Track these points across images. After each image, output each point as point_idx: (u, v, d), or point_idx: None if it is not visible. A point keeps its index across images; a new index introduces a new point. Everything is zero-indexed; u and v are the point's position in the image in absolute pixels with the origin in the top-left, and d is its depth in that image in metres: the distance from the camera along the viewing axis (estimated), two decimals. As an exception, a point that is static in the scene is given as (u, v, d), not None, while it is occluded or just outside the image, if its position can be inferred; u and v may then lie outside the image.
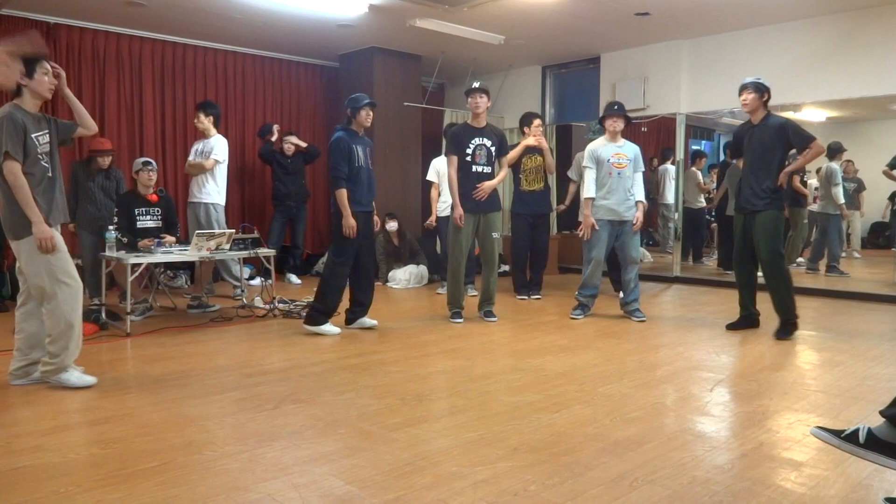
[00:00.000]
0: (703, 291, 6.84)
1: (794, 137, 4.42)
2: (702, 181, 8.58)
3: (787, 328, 4.52)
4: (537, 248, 6.31)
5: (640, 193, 5.20)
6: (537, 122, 6.18)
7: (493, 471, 2.30)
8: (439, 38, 7.13)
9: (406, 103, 8.10)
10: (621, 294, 5.47)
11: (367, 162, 4.66)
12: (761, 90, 4.53)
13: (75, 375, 3.31)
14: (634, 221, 5.14)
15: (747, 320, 4.80)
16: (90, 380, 3.34)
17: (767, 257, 4.51)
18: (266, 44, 7.70)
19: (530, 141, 6.08)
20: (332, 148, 4.57)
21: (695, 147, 9.31)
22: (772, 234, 4.49)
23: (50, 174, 3.30)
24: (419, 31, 6.77)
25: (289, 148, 7.28)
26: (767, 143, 4.50)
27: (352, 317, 4.83)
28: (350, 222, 4.49)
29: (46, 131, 3.32)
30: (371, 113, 4.64)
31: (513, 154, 5.95)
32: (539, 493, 2.13)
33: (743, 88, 4.58)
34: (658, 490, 2.16)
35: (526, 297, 6.21)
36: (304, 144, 7.42)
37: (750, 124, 4.64)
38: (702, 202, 8.63)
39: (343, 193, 4.51)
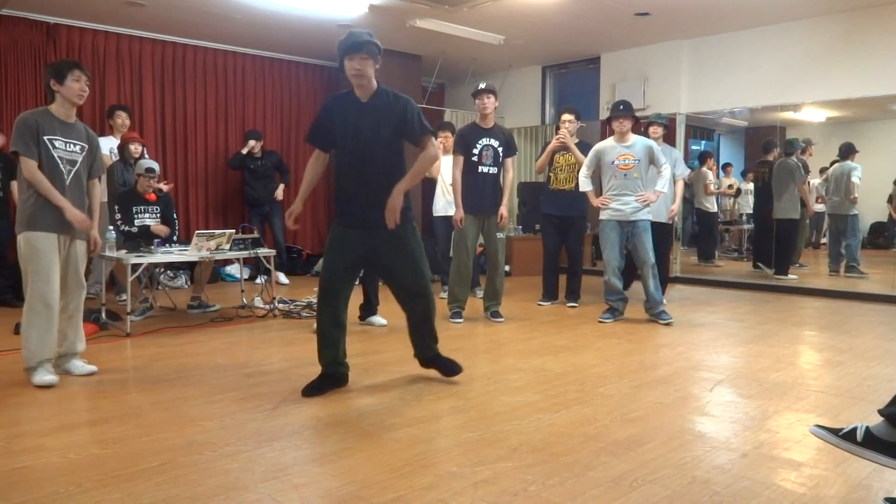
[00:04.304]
0: (704, 291, 6.85)
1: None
2: (710, 182, 8.51)
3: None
4: (569, 253, 5.81)
5: (660, 184, 4.99)
6: (564, 116, 5.74)
7: (493, 471, 2.30)
8: (439, 38, 7.13)
9: (406, 103, 8.08)
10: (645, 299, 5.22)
11: None
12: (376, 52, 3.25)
13: (37, 376, 3.30)
14: (644, 200, 4.97)
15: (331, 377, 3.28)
16: (50, 379, 3.29)
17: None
18: (266, 44, 7.70)
19: (552, 144, 5.71)
20: None
21: (697, 147, 9.27)
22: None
23: (66, 183, 3.34)
24: (419, 31, 6.78)
25: (254, 146, 7.29)
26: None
27: (361, 314, 4.94)
28: None
29: (76, 141, 3.38)
30: None
31: (539, 162, 5.76)
32: (539, 493, 2.13)
33: None
34: (658, 490, 2.16)
35: (548, 304, 5.89)
36: (281, 190, 7.42)
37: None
38: (712, 204, 8.56)
39: None
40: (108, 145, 6.19)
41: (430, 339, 3.47)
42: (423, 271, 3.35)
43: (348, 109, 3.17)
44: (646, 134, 5.54)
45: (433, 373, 3.59)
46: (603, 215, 5.13)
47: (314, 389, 3.18)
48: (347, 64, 3.12)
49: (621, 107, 5.10)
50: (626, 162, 5.05)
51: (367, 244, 3.21)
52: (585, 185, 5.23)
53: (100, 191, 3.66)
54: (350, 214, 3.20)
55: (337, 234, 3.20)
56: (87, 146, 3.45)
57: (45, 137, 3.27)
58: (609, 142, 5.18)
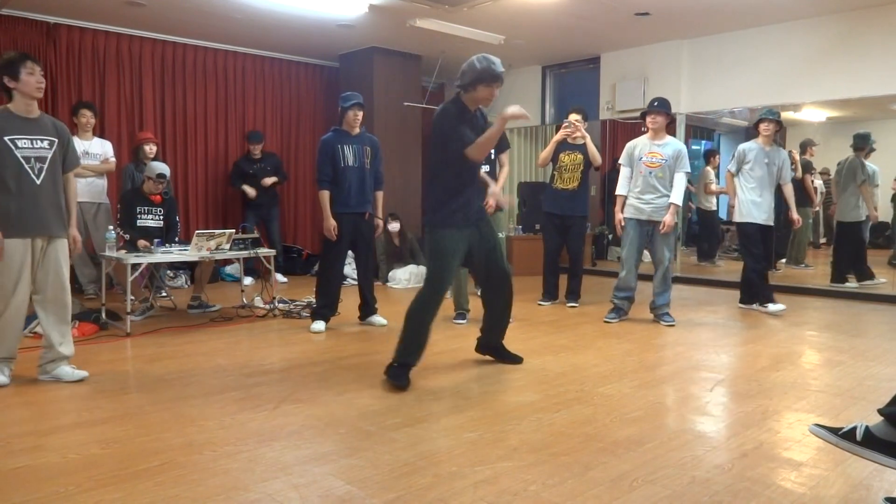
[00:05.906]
0: (703, 291, 6.84)
1: None
2: (712, 182, 8.49)
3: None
4: (570, 253, 5.77)
5: (675, 195, 4.89)
6: (572, 116, 5.64)
7: (493, 471, 2.30)
8: (439, 38, 7.13)
9: (406, 103, 8.09)
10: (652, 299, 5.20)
11: (359, 162, 4.66)
12: None
13: None
14: (661, 225, 4.91)
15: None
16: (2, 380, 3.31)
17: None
18: (266, 44, 7.70)
19: (559, 134, 5.60)
20: (318, 150, 4.73)
21: (698, 147, 9.26)
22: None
23: (38, 182, 3.23)
24: (419, 31, 6.77)
25: (255, 150, 7.29)
26: None
27: (361, 314, 4.99)
28: (327, 224, 4.59)
29: (42, 137, 3.25)
30: (359, 114, 4.68)
31: (544, 154, 5.70)
32: (539, 493, 2.13)
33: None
34: (658, 490, 2.16)
35: (548, 304, 5.87)
36: (273, 179, 7.34)
37: None
38: (712, 203, 8.55)
39: (323, 195, 4.63)
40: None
41: (506, 326, 3.90)
42: (505, 256, 3.77)
43: (468, 119, 3.42)
44: (755, 131, 5.41)
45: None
46: (625, 213, 5.06)
47: (407, 379, 3.35)
48: (485, 90, 3.34)
49: (656, 103, 4.98)
50: (653, 160, 4.94)
51: (469, 238, 3.51)
52: (622, 187, 5.07)
53: (75, 185, 3.52)
54: (467, 215, 3.46)
55: (453, 237, 3.42)
56: (56, 140, 3.31)
57: (6, 138, 3.14)
58: (642, 138, 5.08)
